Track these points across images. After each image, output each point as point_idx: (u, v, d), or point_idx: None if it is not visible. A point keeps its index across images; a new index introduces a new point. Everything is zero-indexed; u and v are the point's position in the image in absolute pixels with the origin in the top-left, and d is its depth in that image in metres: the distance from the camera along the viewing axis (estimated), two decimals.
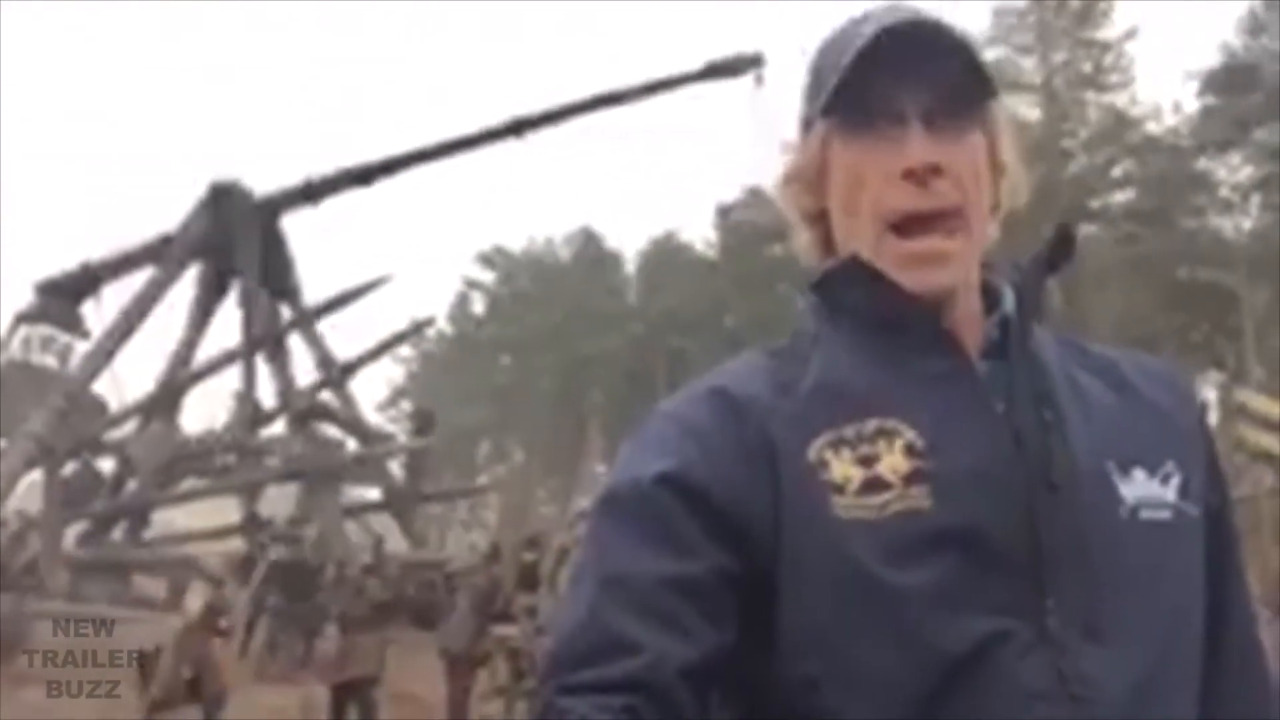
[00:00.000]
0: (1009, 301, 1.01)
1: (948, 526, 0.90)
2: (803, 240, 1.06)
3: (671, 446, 0.95)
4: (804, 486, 0.92)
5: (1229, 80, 36.85)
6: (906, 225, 0.96)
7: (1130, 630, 0.91)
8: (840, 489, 0.92)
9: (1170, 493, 0.97)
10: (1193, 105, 38.34)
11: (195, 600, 9.95)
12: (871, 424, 0.94)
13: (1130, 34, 40.15)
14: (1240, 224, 39.05)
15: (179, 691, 9.01)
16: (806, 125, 1.03)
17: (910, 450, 0.92)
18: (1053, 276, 1.03)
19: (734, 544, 0.91)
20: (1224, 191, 38.70)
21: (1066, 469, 0.94)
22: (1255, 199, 38.41)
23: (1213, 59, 37.83)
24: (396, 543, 20.01)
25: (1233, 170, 38.44)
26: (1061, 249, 1.03)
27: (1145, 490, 0.96)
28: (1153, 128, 39.66)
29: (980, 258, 1.01)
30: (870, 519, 0.90)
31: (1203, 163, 38.44)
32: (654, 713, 0.85)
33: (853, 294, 1.00)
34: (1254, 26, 37.65)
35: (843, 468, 0.92)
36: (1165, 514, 0.96)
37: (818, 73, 1.03)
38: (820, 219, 1.04)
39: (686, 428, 0.96)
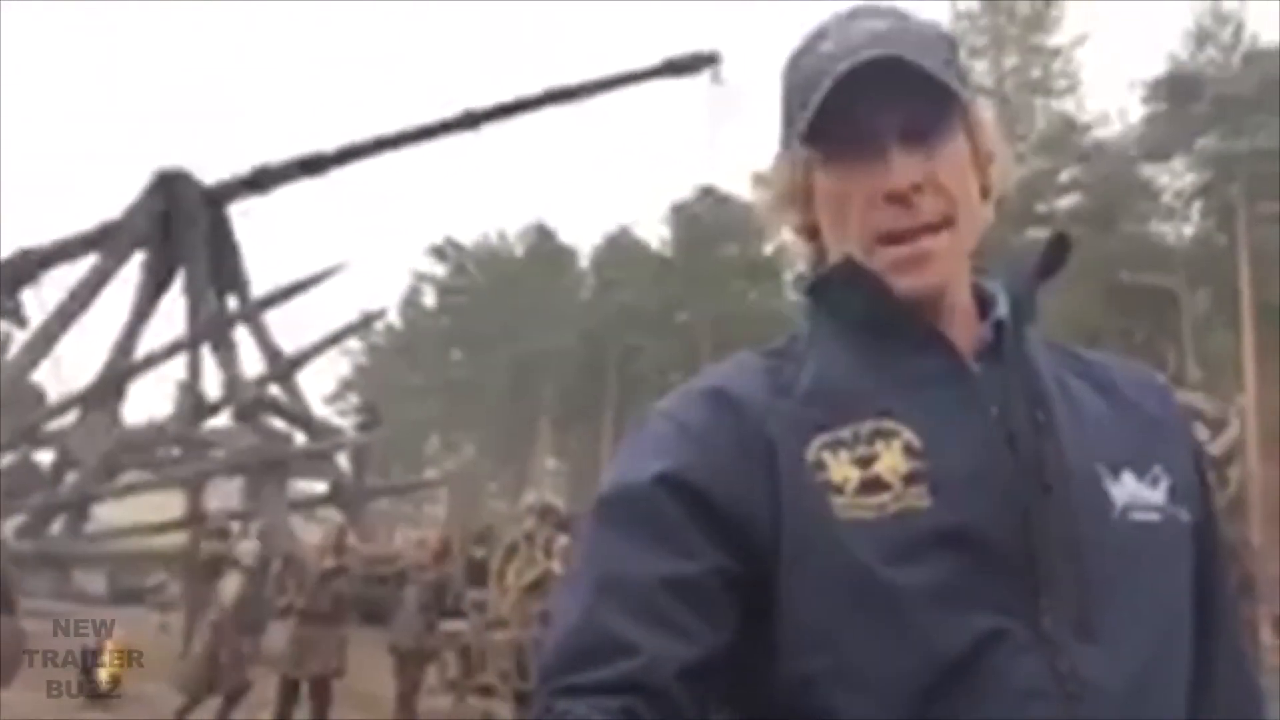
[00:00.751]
0: (1002, 305, 1.02)
1: (945, 527, 0.91)
2: (797, 250, 1.07)
3: (669, 447, 0.96)
4: (803, 486, 0.93)
5: (1174, 89, 37.60)
6: (895, 236, 0.98)
7: (1122, 631, 0.93)
8: (839, 489, 0.92)
9: (1159, 495, 0.99)
10: (1138, 113, 39.08)
11: (230, 589, 9.82)
12: (869, 425, 0.95)
13: (1079, 41, 40.83)
14: (1182, 230, 39.90)
15: (204, 684, 8.92)
16: (785, 147, 1.03)
17: (908, 451, 0.93)
18: (1046, 281, 1.04)
19: (732, 544, 0.92)
20: (1166, 198, 39.50)
21: (1059, 470, 0.95)
22: (1196, 205, 39.27)
23: (1159, 68, 38.58)
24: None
25: (1175, 176, 39.24)
26: (1056, 255, 1.04)
27: (1134, 493, 0.98)
28: (1099, 134, 40.38)
29: (972, 258, 1.02)
30: (869, 519, 0.91)
31: (1146, 169, 39.19)
32: (652, 713, 0.86)
33: (847, 297, 1.00)
34: (1200, 36, 38.46)
35: (841, 468, 0.93)
36: (1154, 516, 0.98)
37: (789, 96, 1.03)
38: (812, 233, 1.05)
39: (684, 427, 0.97)
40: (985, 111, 1.03)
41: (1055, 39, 41.10)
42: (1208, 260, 37.07)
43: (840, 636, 0.90)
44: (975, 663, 0.88)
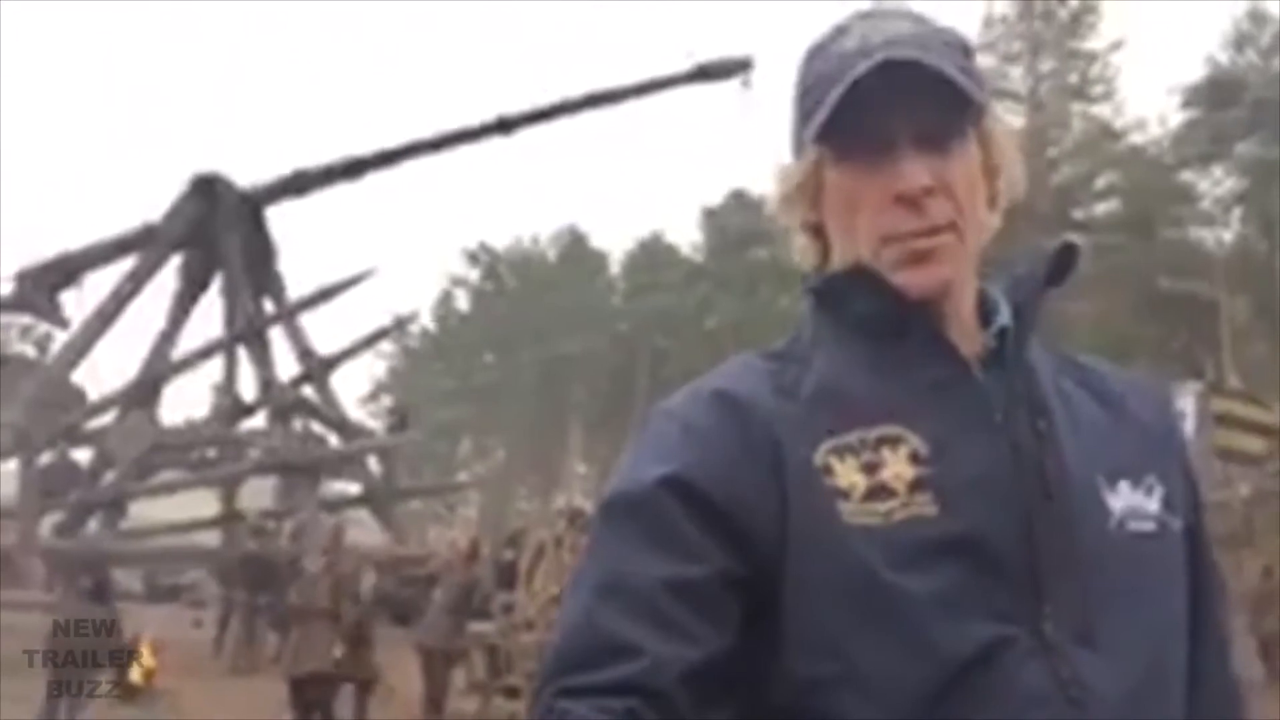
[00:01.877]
0: (1004, 312, 1.02)
1: (952, 534, 0.91)
2: (800, 246, 1.07)
3: (674, 449, 0.96)
4: (810, 491, 0.93)
5: (1212, 94, 37.13)
6: (902, 237, 0.98)
7: (1120, 638, 0.93)
8: (846, 495, 0.93)
9: (1154, 504, 1.00)
10: (1176, 118, 38.61)
11: (324, 586, 9.96)
12: (875, 431, 0.95)
13: (1116, 45, 40.39)
14: (1221, 236, 39.36)
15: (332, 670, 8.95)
16: (798, 142, 1.03)
17: (914, 458, 0.94)
18: (1051, 290, 1.04)
19: (737, 547, 0.92)
20: (1205, 204, 39.00)
21: (1060, 480, 0.96)
22: (1236, 212, 38.73)
23: (1197, 72, 38.11)
24: (375, 538, 19.96)
25: (1215, 183, 38.73)
26: (1063, 264, 1.04)
27: (1130, 502, 0.98)
28: (1137, 139, 39.92)
29: (977, 264, 1.02)
30: (876, 525, 0.92)
31: (1185, 175, 38.71)
32: (654, 715, 0.86)
33: (854, 301, 1.01)
34: (1239, 41, 37.94)
35: (848, 474, 0.93)
36: (1150, 525, 0.99)
37: (805, 93, 1.03)
38: (818, 231, 1.05)
39: (689, 430, 0.97)
40: (998, 122, 1.03)
41: (1092, 43, 40.68)
42: (1248, 267, 36.53)
43: (846, 641, 0.90)
44: (981, 669, 0.89)
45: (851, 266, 1.01)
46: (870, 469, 0.93)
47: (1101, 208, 39.87)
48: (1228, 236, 39.24)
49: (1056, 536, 0.94)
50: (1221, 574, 1.09)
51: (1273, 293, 34.60)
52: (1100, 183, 39.85)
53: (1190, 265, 35.87)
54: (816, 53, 1.03)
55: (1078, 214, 38.70)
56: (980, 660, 0.89)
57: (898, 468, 0.93)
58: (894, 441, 0.94)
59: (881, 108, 0.96)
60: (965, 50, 1.02)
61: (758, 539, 0.92)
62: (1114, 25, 40.40)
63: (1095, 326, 30.33)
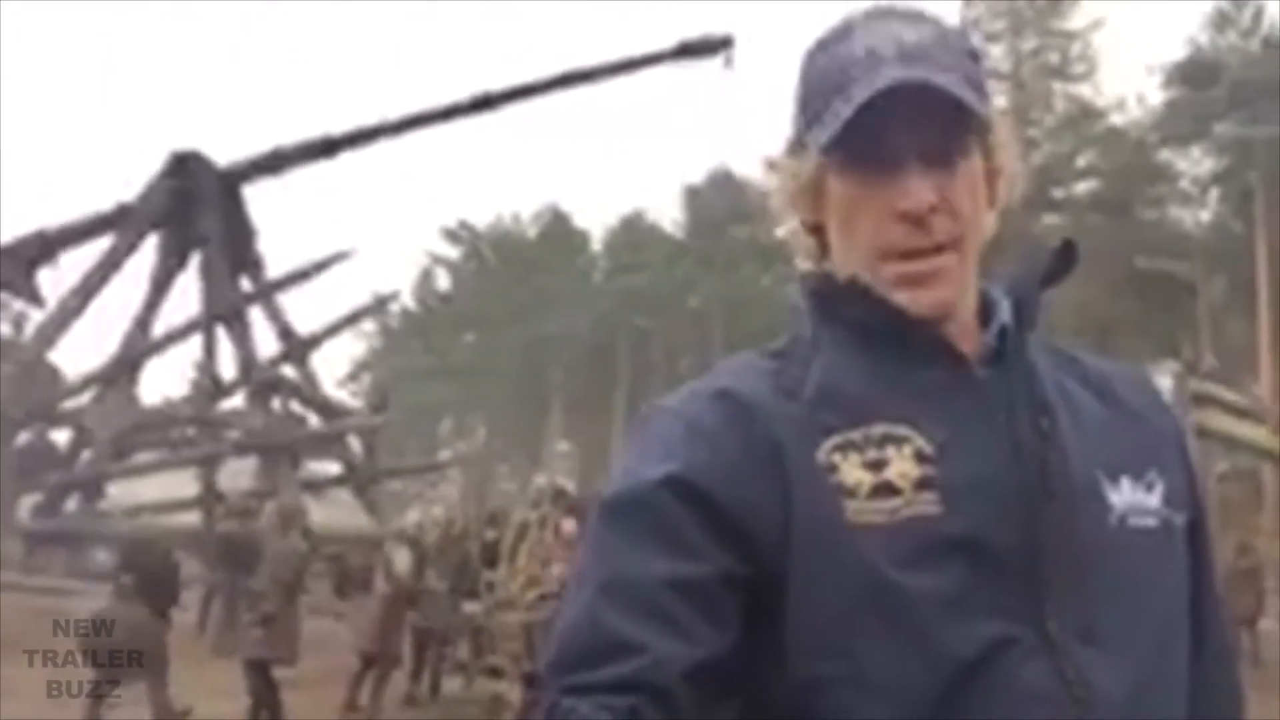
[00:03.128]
0: (1005, 310, 1.02)
1: (956, 533, 0.92)
2: (799, 243, 1.07)
3: (677, 448, 0.96)
4: (815, 489, 0.93)
5: (1192, 74, 37.26)
6: (905, 254, 0.98)
7: (1123, 635, 0.94)
8: (851, 493, 0.93)
9: (1155, 500, 1.00)
10: (1156, 98, 38.76)
11: (402, 562, 9.93)
12: (879, 429, 0.95)
13: (1097, 25, 40.49)
14: (1199, 216, 39.61)
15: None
16: (799, 141, 1.02)
17: (919, 456, 0.94)
18: (1050, 287, 1.04)
19: (740, 546, 0.92)
20: (1184, 184, 39.22)
21: (1062, 477, 0.96)
22: (1214, 192, 38.98)
23: (1177, 53, 38.23)
24: (357, 519, 19.94)
25: (1194, 163, 38.94)
26: (1063, 262, 1.04)
27: (1132, 498, 0.99)
28: (1116, 119, 40.07)
29: (978, 264, 1.02)
30: (881, 523, 0.92)
31: (1164, 155, 38.90)
32: (657, 713, 0.86)
33: (852, 310, 1.00)
34: (1220, 21, 38.08)
35: (853, 471, 0.93)
36: (1151, 521, 0.99)
37: (808, 94, 1.01)
38: (817, 230, 1.04)
39: (693, 429, 0.97)
40: (1001, 126, 1.02)
41: (1073, 23, 40.78)
42: (1225, 247, 36.81)
43: (853, 641, 0.90)
44: (986, 667, 0.89)
45: (849, 280, 1.01)
46: (875, 466, 0.93)
47: (1081, 187, 40.04)
48: (1205, 216, 39.49)
49: (1059, 534, 0.94)
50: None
51: (1249, 273, 34.89)
52: (1080, 162, 40.01)
53: (1168, 245, 36.11)
54: (821, 51, 1.01)
55: (1058, 193, 38.85)
56: (985, 659, 0.89)
57: (903, 466, 0.93)
58: (898, 440, 0.94)
59: (888, 123, 0.95)
60: (973, 55, 1.02)
61: (761, 538, 0.92)
62: (1094, 4, 40.49)
63: (1074, 307, 30.49)
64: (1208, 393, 11.10)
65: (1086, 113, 40.09)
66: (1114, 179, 38.32)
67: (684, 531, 0.92)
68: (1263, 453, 9.03)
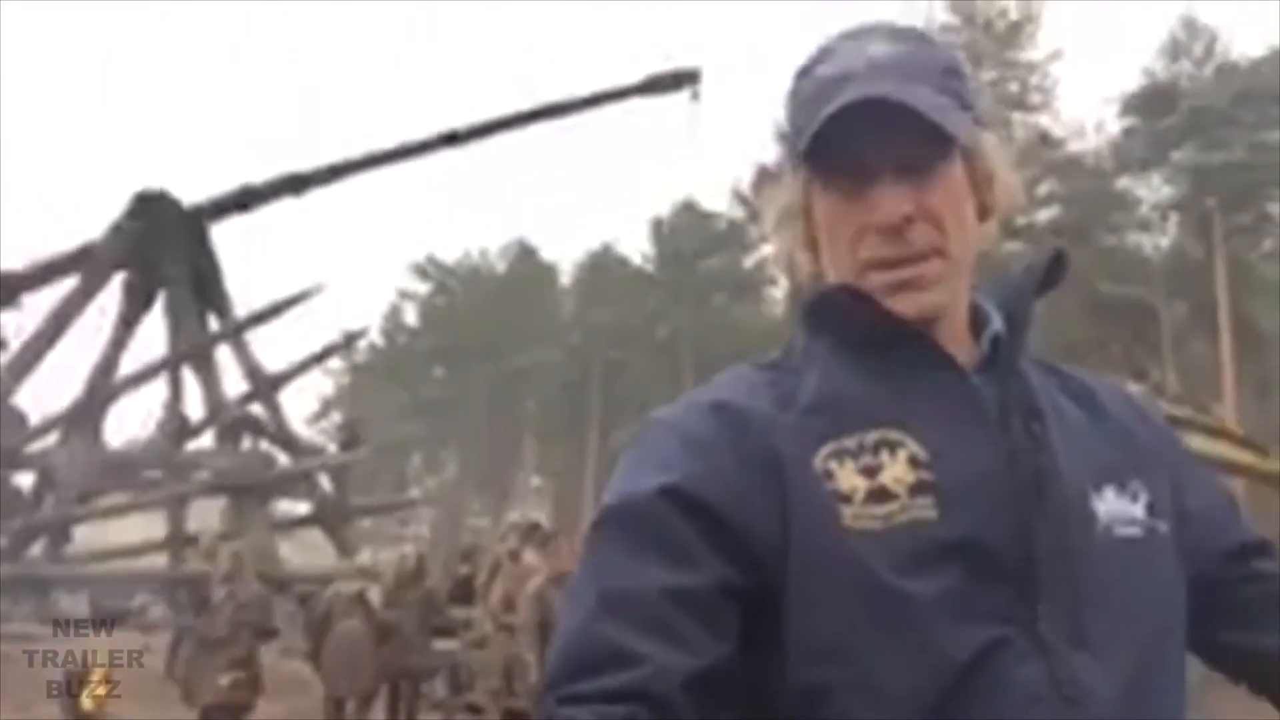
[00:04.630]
0: (996, 320, 1.04)
1: (952, 538, 0.93)
2: (798, 261, 1.08)
3: (673, 460, 0.96)
4: (812, 497, 0.94)
5: (1149, 103, 37.95)
6: (887, 264, 1.00)
7: (1111, 639, 0.95)
8: (848, 499, 0.94)
9: (1138, 510, 1.01)
10: (1114, 126, 39.43)
11: (373, 599, 9.78)
12: (873, 435, 0.96)
13: (1055, 56, 41.16)
14: (1159, 242, 40.20)
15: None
16: (790, 161, 1.05)
17: (914, 462, 0.95)
18: (1041, 297, 1.06)
19: (737, 556, 0.93)
20: (1143, 210, 39.82)
21: (1053, 483, 0.98)
22: (1173, 218, 39.59)
23: (1134, 82, 38.94)
24: (327, 558, 19.71)
25: (1152, 190, 39.55)
26: (1054, 272, 1.06)
27: (1116, 507, 1.00)
28: (1075, 147, 40.68)
29: (970, 271, 1.04)
30: (878, 529, 0.93)
31: (1123, 182, 39.51)
32: None
33: (844, 317, 1.02)
34: (1174, 50, 38.85)
35: (848, 478, 0.95)
36: (1136, 530, 1.00)
37: (791, 115, 1.04)
38: (812, 245, 1.06)
39: (688, 440, 0.98)
40: (986, 133, 1.03)
41: (1031, 54, 41.44)
42: (1184, 272, 37.36)
43: (853, 647, 0.91)
44: (982, 670, 0.90)
45: (839, 287, 1.02)
46: (870, 472, 0.95)
47: (1043, 214, 40.56)
48: (1165, 242, 40.08)
49: (1050, 538, 0.95)
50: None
51: (1209, 296, 35.41)
52: (1041, 190, 40.55)
53: (1129, 270, 36.60)
54: (804, 74, 1.04)
55: (1020, 220, 39.32)
56: (981, 661, 0.90)
57: (897, 471, 0.94)
58: (893, 445, 0.96)
59: (861, 139, 0.97)
60: (952, 70, 1.03)
61: (758, 547, 0.93)
62: (1052, 36, 41.21)
63: (1037, 332, 30.80)
64: (1176, 415, 11.25)
65: (1046, 142, 40.69)
66: (1074, 206, 38.86)
67: (681, 542, 0.92)
68: (1236, 469, 9.16)
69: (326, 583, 12.30)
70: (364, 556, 12.28)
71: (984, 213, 1.04)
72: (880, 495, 0.94)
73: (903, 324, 0.99)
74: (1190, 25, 38.89)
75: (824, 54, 1.03)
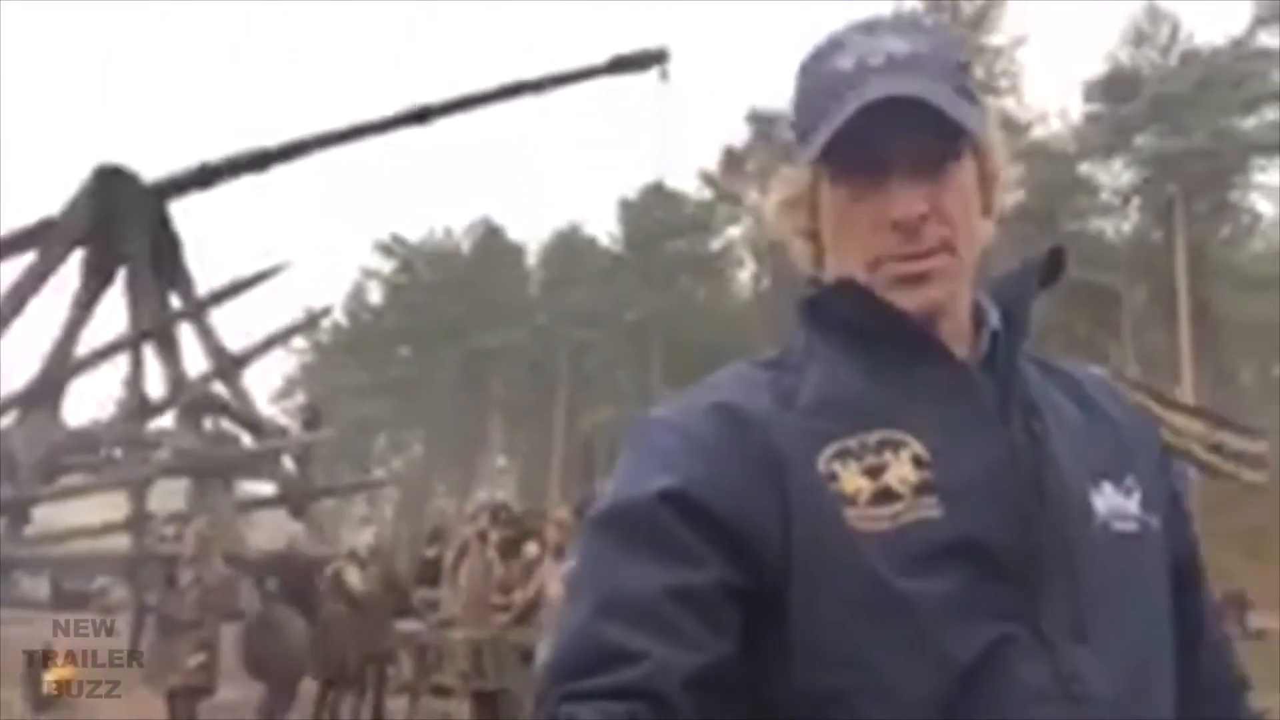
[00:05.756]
0: (994, 317, 1.04)
1: (956, 537, 0.93)
2: (796, 251, 1.08)
3: (674, 461, 0.96)
4: (815, 498, 0.94)
5: (1112, 88, 38.32)
6: (897, 259, 0.99)
7: (1111, 635, 0.95)
8: (852, 500, 0.93)
9: (1133, 505, 1.02)
10: (1078, 112, 39.80)
11: (354, 581, 9.80)
12: (876, 435, 0.96)
13: (1020, 41, 41.45)
14: (1120, 226, 40.69)
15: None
16: (793, 152, 1.04)
17: (917, 461, 0.95)
18: (1041, 294, 1.06)
19: (740, 557, 0.93)
20: (1105, 195, 40.28)
21: (1053, 480, 0.98)
22: (1135, 202, 40.06)
23: (1098, 68, 39.30)
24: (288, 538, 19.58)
25: (1114, 175, 40.00)
26: (1052, 268, 1.06)
27: (1113, 502, 1.01)
28: (1040, 133, 41.02)
29: (973, 272, 1.03)
30: (882, 530, 0.93)
31: (1086, 167, 39.93)
32: (657, 719, 0.86)
33: (846, 312, 1.01)
34: (1137, 37, 39.24)
35: (852, 479, 0.94)
36: (1132, 526, 1.01)
37: (801, 105, 1.03)
38: (814, 235, 1.05)
39: (690, 440, 0.97)
40: (995, 132, 1.03)
41: (995, 39, 41.69)
42: (1146, 256, 37.84)
43: (860, 648, 0.91)
44: (988, 668, 0.91)
45: (841, 281, 1.02)
46: (873, 472, 0.94)
47: (1008, 199, 40.90)
48: (1126, 226, 40.58)
49: (1051, 535, 0.96)
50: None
51: (1168, 281, 35.90)
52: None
53: (1092, 255, 37.02)
54: (814, 64, 1.03)
55: None
56: (987, 660, 0.91)
57: (901, 470, 0.94)
58: (896, 445, 0.95)
59: (878, 135, 0.96)
60: (964, 66, 1.03)
61: (761, 549, 0.93)
62: (1017, 21, 41.44)
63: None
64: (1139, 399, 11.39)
65: (1010, 127, 40.98)
66: (1038, 191, 39.20)
67: (683, 543, 0.92)
68: (1201, 464, 9.20)
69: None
70: (364, 538, 12.30)
71: (986, 209, 1.04)
72: (885, 496, 0.93)
73: (904, 319, 0.99)
74: (1153, 13, 39.29)
75: (835, 46, 1.02)
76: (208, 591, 8.62)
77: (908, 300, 0.98)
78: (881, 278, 0.99)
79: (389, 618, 10.29)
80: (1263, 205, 40.78)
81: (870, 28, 1.02)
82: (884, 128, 0.96)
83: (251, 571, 13.15)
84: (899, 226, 0.97)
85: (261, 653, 9.70)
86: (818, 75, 1.01)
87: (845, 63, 0.99)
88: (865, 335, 1.00)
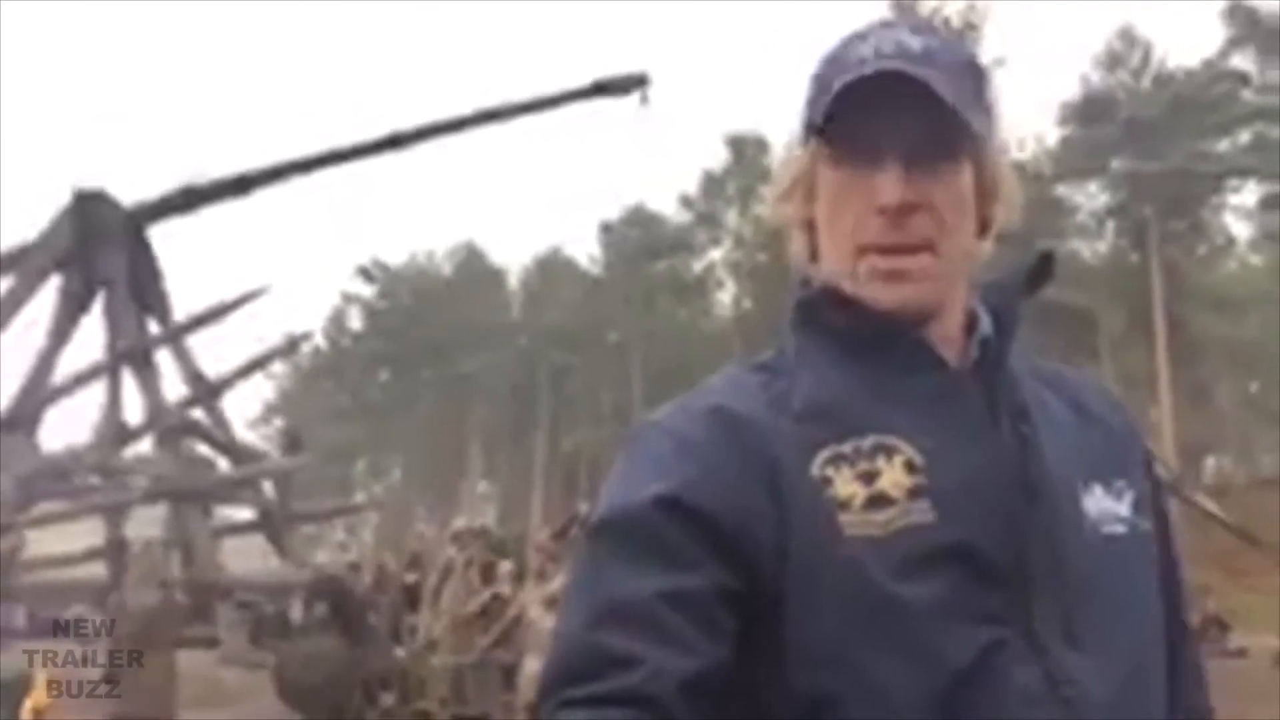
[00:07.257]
0: (985, 321, 1.05)
1: (949, 541, 0.93)
2: (795, 244, 1.08)
3: (669, 466, 0.96)
4: (810, 504, 0.94)
5: (1087, 111, 38.74)
6: (880, 249, 0.99)
7: (1102, 639, 0.96)
8: (846, 505, 0.94)
9: (1124, 508, 1.03)
10: (1053, 134, 40.18)
11: None
12: (869, 440, 0.96)
13: (997, 64, 41.79)
14: (1097, 248, 41.03)
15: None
16: (806, 134, 1.04)
17: (909, 466, 0.95)
18: (1029, 297, 1.07)
19: (735, 562, 0.93)
20: (1081, 217, 40.63)
21: (1043, 484, 0.98)
22: (1110, 224, 40.42)
23: (1073, 91, 39.70)
24: (272, 566, 19.42)
25: (1090, 197, 40.38)
26: (1040, 273, 1.07)
27: (1103, 506, 1.01)
28: (1016, 155, 41.35)
29: (965, 278, 1.04)
30: (876, 535, 0.93)
31: (1062, 189, 40.28)
32: None
33: (833, 318, 1.02)
34: (1111, 61, 39.69)
35: (846, 485, 0.95)
36: (1121, 529, 1.01)
37: (815, 86, 1.04)
38: (810, 226, 1.06)
39: (685, 446, 0.97)
40: (1000, 152, 1.04)
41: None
42: (1122, 277, 38.14)
43: (855, 653, 0.91)
44: (981, 672, 0.91)
45: (823, 289, 1.03)
46: (867, 478, 0.95)
47: (1009, 217, 41.18)
48: (1103, 248, 40.92)
49: (1041, 539, 0.96)
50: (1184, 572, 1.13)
51: (1145, 302, 36.19)
52: None
53: (1068, 277, 37.29)
54: (830, 53, 1.04)
55: None
56: (980, 664, 0.91)
57: (895, 476, 0.95)
58: (889, 450, 0.96)
59: (879, 118, 0.97)
60: (979, 74, 1.04)
61: (756, 554, 0.93)
62: (993, 44, 41.82)
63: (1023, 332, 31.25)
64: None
65: None
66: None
67: (678, 548, 0.92)
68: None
69: (270, 590, 12.11)
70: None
71: (984, 226, 1.04)
72: (879, 501, 0.94)
73: (891, 324, 0.99)
74: (1127, 36, 39.76)
75: (857, 37, 1.03)
76: (146, 620, 8.47)
77: (884, 295, 0.99)
78: (862, 270, 1.00)
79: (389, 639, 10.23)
80: (1237, 226, 41.32)
81: (892, 24, 1.04)
82: (885, 115, 0.97)
83: (299, 595, 12.97)
84: (884, 212, 0.97)
85: (301, 683, 9.39)
86: (833, 61, 1.03)
87: (863, 50, 1.00)
88: (854, 340, 1.01)
